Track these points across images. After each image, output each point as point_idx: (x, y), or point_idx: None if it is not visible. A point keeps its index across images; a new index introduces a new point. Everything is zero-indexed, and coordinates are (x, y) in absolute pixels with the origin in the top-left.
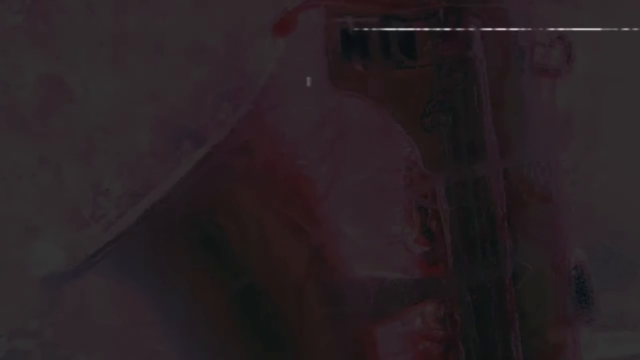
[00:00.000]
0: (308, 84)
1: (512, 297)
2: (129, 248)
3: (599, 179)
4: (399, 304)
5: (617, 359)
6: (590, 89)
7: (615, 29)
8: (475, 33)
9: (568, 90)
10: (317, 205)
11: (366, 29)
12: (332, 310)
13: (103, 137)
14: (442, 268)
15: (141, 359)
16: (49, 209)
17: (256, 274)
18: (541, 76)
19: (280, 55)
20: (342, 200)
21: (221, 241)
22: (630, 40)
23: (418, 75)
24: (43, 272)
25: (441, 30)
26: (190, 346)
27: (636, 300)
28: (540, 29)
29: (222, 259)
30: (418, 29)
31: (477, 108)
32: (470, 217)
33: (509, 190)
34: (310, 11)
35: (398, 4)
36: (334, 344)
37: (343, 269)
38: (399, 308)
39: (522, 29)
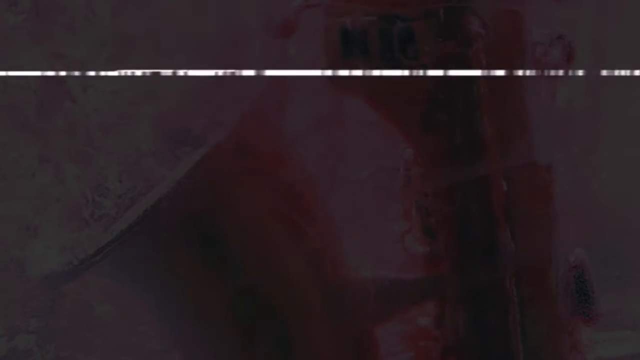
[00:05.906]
0: None
1: (512, 297)
2: (129, 248)
3: (599, 179)
4: (399, 304)
5: (617, 359)
6: (590, 89)
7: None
8: (476, 33)
9: (568, 90)
10: (317, 205)
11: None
12: (332, 310)
13: (103, 137)
14: (442, 268)
15: (141, 359)
16: (49, 209)
17: (256, 274)
18: (541, 76)
19: (280, 55)
20: (342, 200)
21: (221, 241)
22: (630, 40)
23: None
24: (43, 272)
25: (441, 30)
26: (190, 346)
27: (636, 300)
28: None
29: (222, 259)
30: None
31: (477, 108)
32: (471, 217)
33: (508, 190)
34: (310, 11)
35: (398, 3)
36: (334, 344)
37: (343, 269)
38: (399, 308)
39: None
